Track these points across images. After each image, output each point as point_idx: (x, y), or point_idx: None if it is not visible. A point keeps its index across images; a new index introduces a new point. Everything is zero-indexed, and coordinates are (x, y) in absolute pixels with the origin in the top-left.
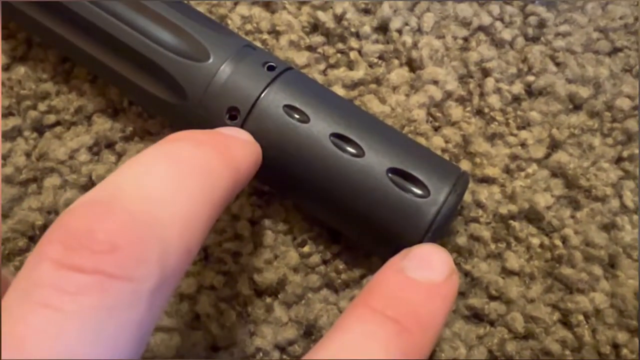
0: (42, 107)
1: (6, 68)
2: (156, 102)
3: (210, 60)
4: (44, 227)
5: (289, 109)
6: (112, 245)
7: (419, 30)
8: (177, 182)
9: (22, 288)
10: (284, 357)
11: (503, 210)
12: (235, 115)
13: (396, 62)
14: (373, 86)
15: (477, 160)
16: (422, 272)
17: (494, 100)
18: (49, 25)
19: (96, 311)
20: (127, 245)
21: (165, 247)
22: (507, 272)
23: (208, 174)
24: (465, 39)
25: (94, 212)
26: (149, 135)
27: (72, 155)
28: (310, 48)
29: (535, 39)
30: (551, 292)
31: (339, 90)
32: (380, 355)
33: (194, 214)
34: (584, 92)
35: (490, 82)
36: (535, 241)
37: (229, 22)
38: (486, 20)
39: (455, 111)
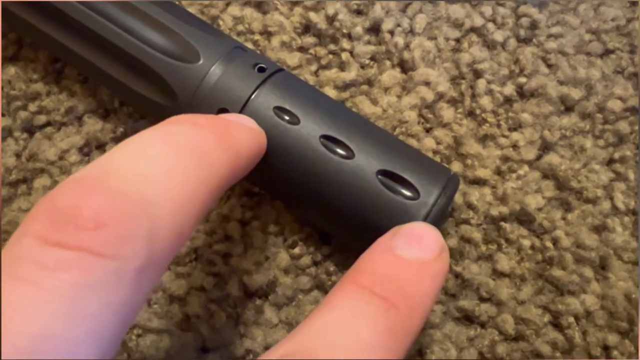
0: (32, 107)
1: None
2: (146, 103)
3: (201, 62)
4: None
5: (279, 110)
6: (98, 222)
7: (411, 32)
8: (171, 162)
9: (4, 263)
10: None
11: (494, 211)
12: None
13: (388, 63)
14: (365, 87)
15: (469, 161)
16: (412, 250)
17: (485, 101)
18: (39, 26)
19: (76, 289)
20: (113, 223)
21: (155, 227)
22: (497, 274)
23: (205, 157)
24: (457, 40)
25: (82, 188)
26: None
27: (63, 156)
28: (302, 49)
29: (527, 41)
30: (542, 293)
31: (330, 92)
32: (366, 332)
33: (188, 196)
34: (576, 93)
35: (482, 84)
36: (526, 243)
37: (221, 22)
38: (478, 21)
39: (447, 112)
